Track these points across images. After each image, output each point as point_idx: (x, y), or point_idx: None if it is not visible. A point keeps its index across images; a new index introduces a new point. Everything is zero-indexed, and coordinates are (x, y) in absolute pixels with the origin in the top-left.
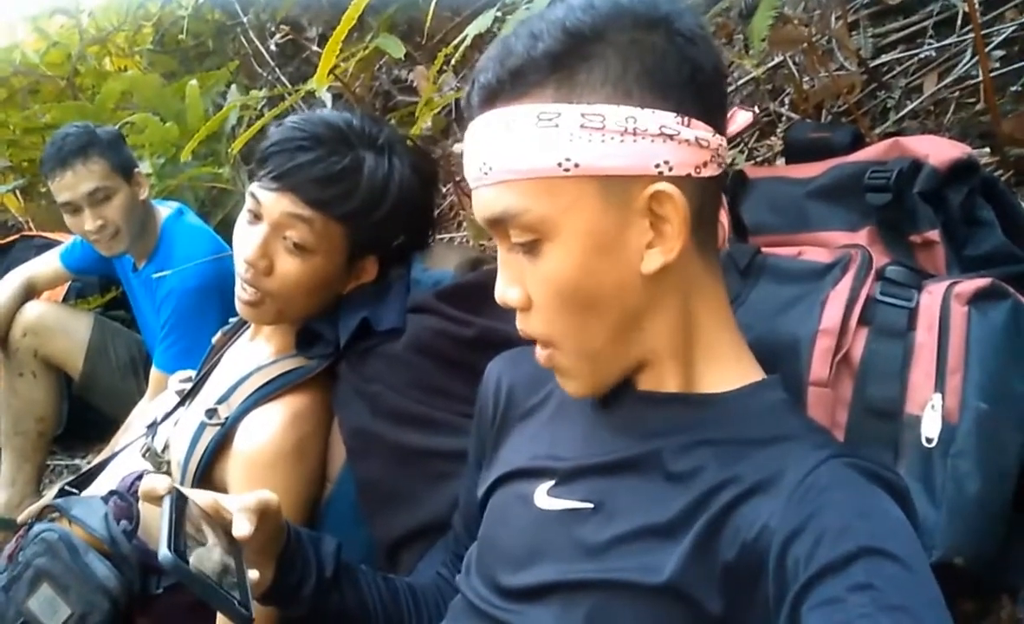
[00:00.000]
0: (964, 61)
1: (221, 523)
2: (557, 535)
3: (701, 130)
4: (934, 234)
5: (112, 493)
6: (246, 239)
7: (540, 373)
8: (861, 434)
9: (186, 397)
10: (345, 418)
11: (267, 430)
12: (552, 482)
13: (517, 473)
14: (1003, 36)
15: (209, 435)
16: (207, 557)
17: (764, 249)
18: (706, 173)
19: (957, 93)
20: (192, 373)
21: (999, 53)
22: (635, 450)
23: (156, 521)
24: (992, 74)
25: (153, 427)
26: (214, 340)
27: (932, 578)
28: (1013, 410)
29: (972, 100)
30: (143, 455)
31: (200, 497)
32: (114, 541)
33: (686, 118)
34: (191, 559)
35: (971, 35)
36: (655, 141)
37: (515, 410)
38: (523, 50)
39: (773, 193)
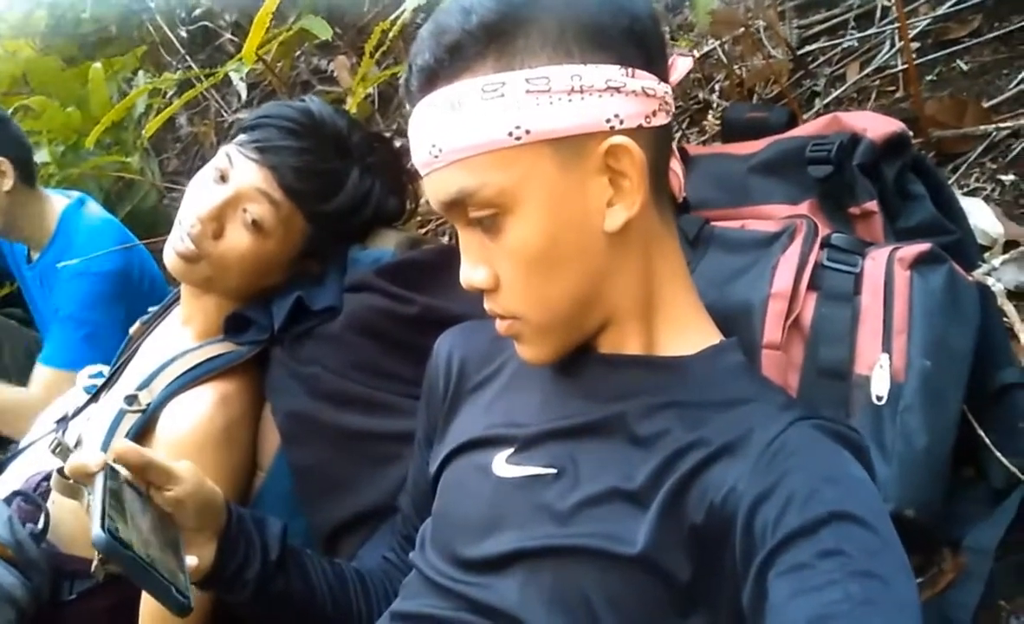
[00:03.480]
0: (884, 51)
1: (158, 508)
2: (519, 502)
3: (646, 79)
4: (872, 205)
5: (16, 494)
6: (205, 196)
7: (492, 344)
8: (813, 394)
9: (99, 391)
10: (279, 403)
11: (193, 415)
12: (511, 450)
13: (473, 443)
14: (918, 29)
15: (129, 422)
16: (143, 540)
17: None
18: (656, 122)
19: (878, 81)
20: (102, 368)
21: (915, 45)
22: (598, 414)
23: (67, 522)
24: (908, 64)
25: (63, 422)
26: (131, 330)
27: (897, 540)
28: (953, 367)
29: (892, 88)
30: (53, 451)
31: (131, 456)
32: (20, 545)
33: (630, 69)
34: (125, 541)
35: (889, 27)
36: (602, 96)
37: (468, 383)
38: (457, 25)
39: (715, 169)
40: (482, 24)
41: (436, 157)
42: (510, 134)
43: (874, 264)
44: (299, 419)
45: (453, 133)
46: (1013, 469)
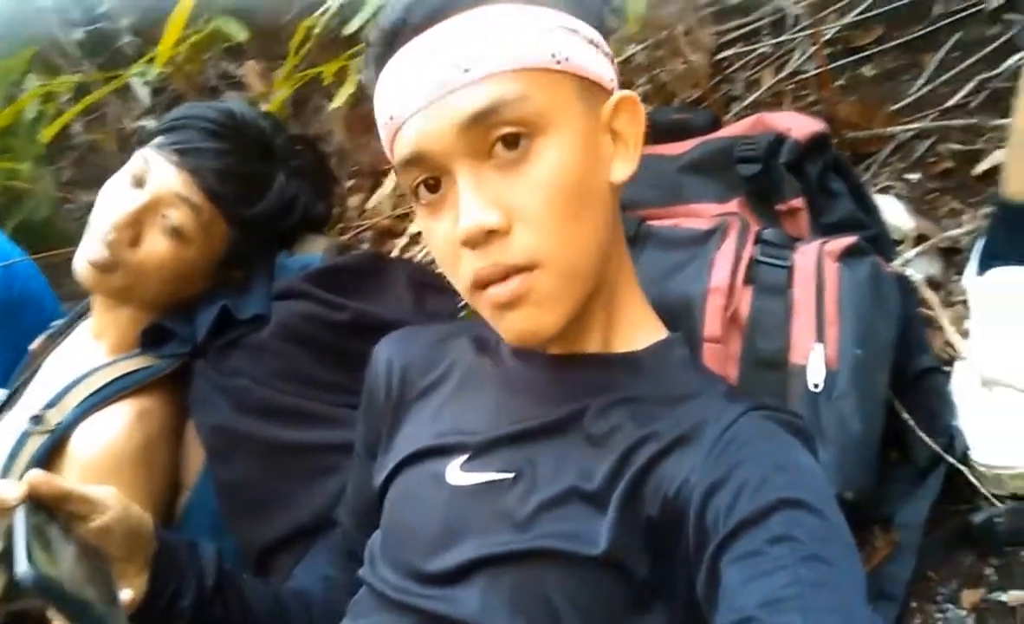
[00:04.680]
0: (796, 57)
1: (82, 540)
2: (476, 510)
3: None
4: (798, 202)
5: None
6: (120, 201)
7: (434, 350)
8: (752, 385)
9: None
10: (204, 418)
11: (109, 434)
12: (465, 456)
13: (423, 453)
14: (826, 37)
15: (35, 444)
16: (72, 575)
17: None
18: None
19: (792, 86)
20: None
21: (826, 51)
22: (554, 415)
23: None
24: (822, 69)
25: None
26: (32, 347)
27: (844, 523)
28: (880, 354)
29: (805, 92)
30: None
31: (46, 487)
32: None
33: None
34: (54, 577)
35: (800, 34)
36: (606, 58)
37: (411, 390)
38: None
39: (647, 169)
40: None
41: (466, 71)
42: (552, 56)
43: (804, 258)
44: (226, 434)
45: (490, 48)
46: (936, 448)
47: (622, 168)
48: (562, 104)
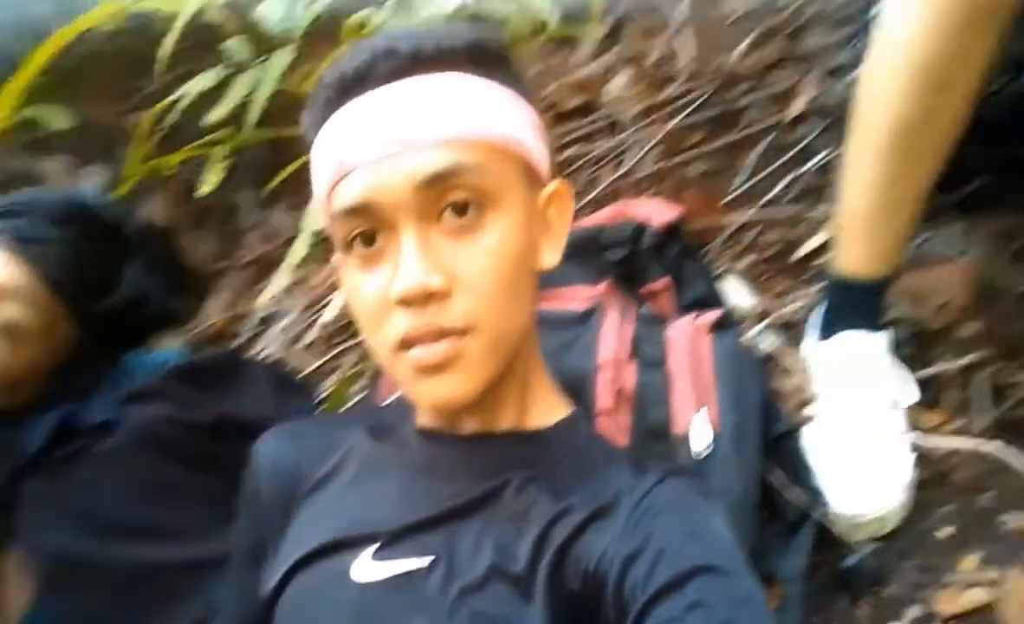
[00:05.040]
0: (630, 157)
1: None
2: (392, 605)
3: None
4: (662, 283)
5: None
6: None
7: (325, 442)
8: (644, 454)
9: None
10: (38, 546)
11: None
12: (374, 547)
13: (322, 550)
14: (656, 138)
15: None
16: None
17: None
18: None
19: (628, 183)
20: None
21: (656, 151)
22: (472, 493)
23: None
24: (659, 167)
25: None
26: None
27: (757, 585)
28: (752, 419)
29: (641, 189)
30: None
31: None
32: None
33: None
34: None
35: (632, 137)
36: (545, 146)
37: (303, 486)
38: (437, 35)
39: None
40: (467, 41)
41: (429, 132)
42: (508, 136)
43: (677, 332)
44: (66, 562)
45: (454, 114)
46: (803, 505)
47: (549, 256)
48: (511, 183)
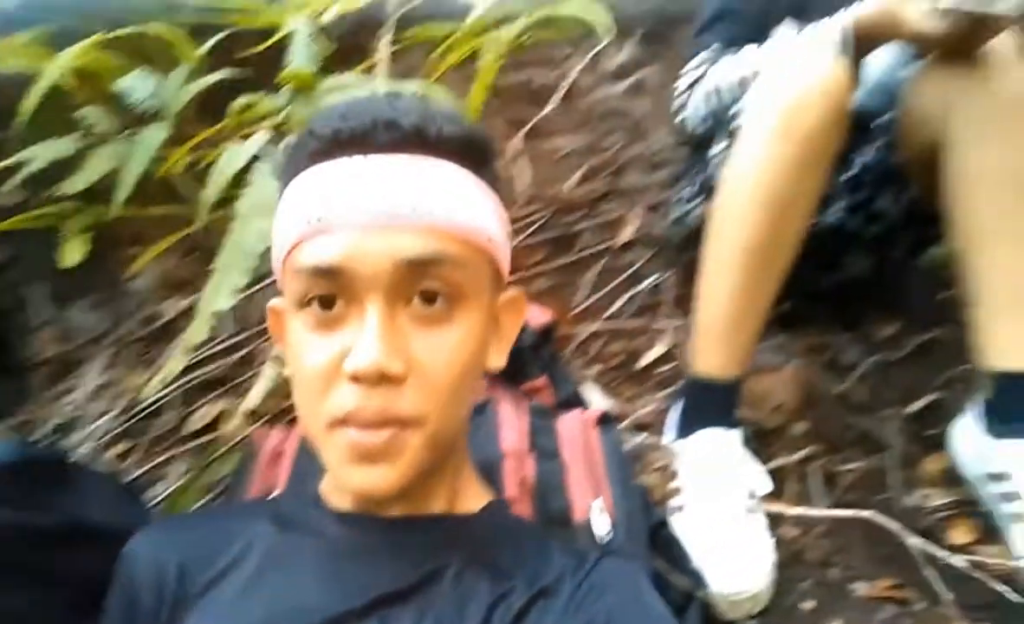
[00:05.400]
0: None
1: None
2: None
3: None
4: (542, 381)
5: None
6: None
7: (218, 536)
8: None
9: None
10: None
11: None
12: None
13: None
14: None
15: None
16: None
17: None
18: None
19: None
20: None
21: None
22: (411, 578)
23: None
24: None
25: None
26: None
27: None
28: (638, 508)
29: None
30: None
31: None
32: None
33: None
34: None
35: None
36: (508, 253)
37: (193, 585)
38: (439, 119)
39: None
40: (464, 133)
41: (420, 214)
42: (486, 233)
43: (568, 425)
44: None
45: (447, 204)
46: (686, 589)
47: (496, 359)
48: (482, 283)
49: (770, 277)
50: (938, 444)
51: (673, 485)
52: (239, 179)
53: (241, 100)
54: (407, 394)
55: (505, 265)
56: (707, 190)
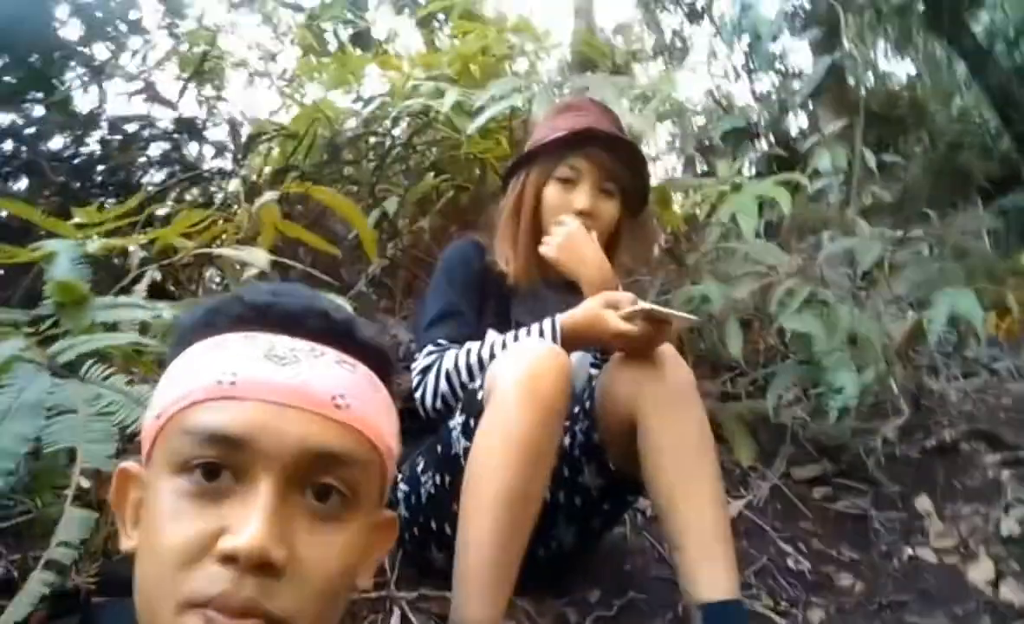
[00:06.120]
0: None
1: None
2: None
3: None
4: None
5: None
6: None
7: None
8: None
9: None
10: None
11: None
12: None
13: None
14: None
15: None
16: None
17: None
18: None
19: None
20: None
21: None
22: None
23: None
24: None
25: None
26: None
27: None
28: None
29: None
30: None
31: None
32: None
33: None
34: None
35: None
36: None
37: None
38: (368, 331)
39: None
40: (383, 345)
41: (338, 407)
42: (389, 448)
43: None
44: None
45: (367, 409)
46: None
47: (364, 578)
48: (373, 493)
49: (525, 523)
50: None
51: None
52: None
53: None
54: (282, 591)
55: (389, 484)
56: (444, 460)
